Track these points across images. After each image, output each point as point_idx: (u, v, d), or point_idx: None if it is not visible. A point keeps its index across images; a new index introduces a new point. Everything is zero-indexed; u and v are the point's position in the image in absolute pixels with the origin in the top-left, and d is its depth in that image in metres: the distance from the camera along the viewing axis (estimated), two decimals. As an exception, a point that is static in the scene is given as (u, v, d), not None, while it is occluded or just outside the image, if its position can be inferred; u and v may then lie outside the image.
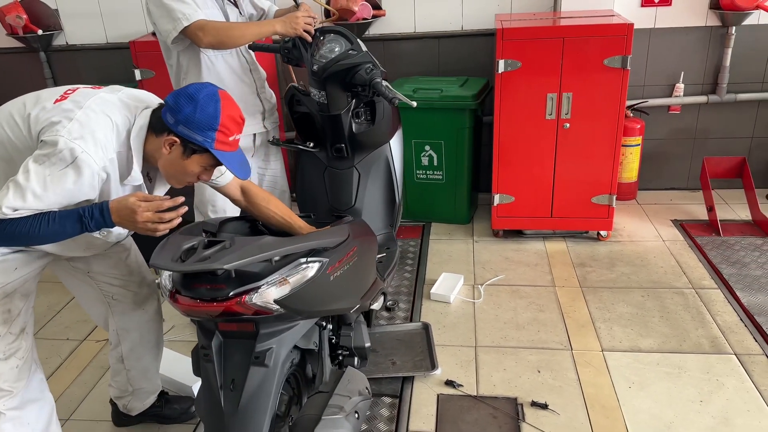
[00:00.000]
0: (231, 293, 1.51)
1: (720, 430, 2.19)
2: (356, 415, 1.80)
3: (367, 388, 1.93)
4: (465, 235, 3.73)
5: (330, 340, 2.07)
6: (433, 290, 3.07)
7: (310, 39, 2.40)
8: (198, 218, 2.68)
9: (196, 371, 1.85)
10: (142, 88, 3.56)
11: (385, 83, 2.30)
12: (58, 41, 4.19)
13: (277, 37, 2.66)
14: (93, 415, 2.44)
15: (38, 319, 3.08)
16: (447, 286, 3.10)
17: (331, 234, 1.81)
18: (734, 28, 3.70)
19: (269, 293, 1.54)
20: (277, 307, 1.56)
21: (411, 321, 2.90)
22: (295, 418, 1.89)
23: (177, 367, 2.56)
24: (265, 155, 2.75)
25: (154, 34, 3.75)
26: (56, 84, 4.28)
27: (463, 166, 3.67)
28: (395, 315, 2.96)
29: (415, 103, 2.35)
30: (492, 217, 3.57)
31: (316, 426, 1.70)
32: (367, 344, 2.11)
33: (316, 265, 1.65)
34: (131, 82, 4.02)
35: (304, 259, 1.64)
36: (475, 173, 3.88)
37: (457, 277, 3.17)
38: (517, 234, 3.64)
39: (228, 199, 2.65)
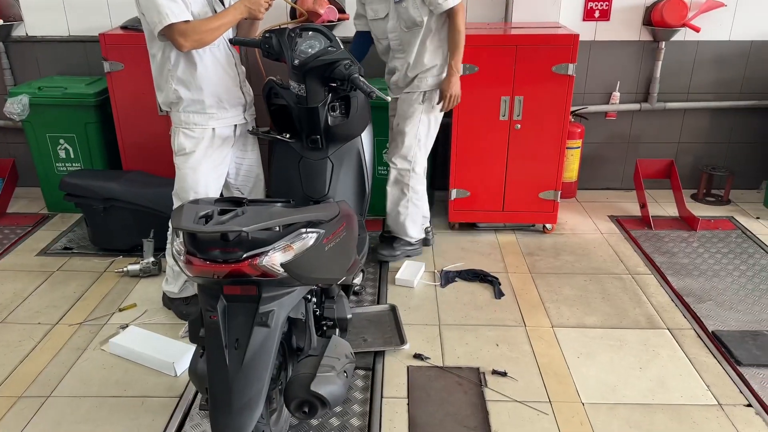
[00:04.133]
0: (244, 255, 1.66)
1: (657, 391, 2.49)
2: (345, 374, 1.97)
3: (351, 352, 2.10)
4: (422, 228, 3.96)
5: (314, 312, 2.24)
6: (397, 276, 3.27)
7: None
8: (177, 205, 2.78)
9: (193, 339, 1.99)
10: (111, 81, 3.65)
11: (362, 79, 2.49)
12: (18, 32, 4.17)
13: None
14: (73, 391, 2.50)
15: (6, 305, 3.10)
16: (410, 272, 3.31)
17: (325, 209, 1.99)
18: (664, 43, 4.11)
19: (276, 257, 1.71)
20: (282, 270, 1.73)
21: (378, 303, 3.09)
22: (285, 382, 2.05)
23: (157, 346, 2.66)
24: (243, 145, 2.87)
25: (123, 27, 3.83)
26: (14, 75, 4.25)
27: (422, 163, 3.88)
28: (363, 299, 3.15)
29: (389, 98, 2.56)
30: (449, 210, 3.82)
31: (312, 382, 1.87)
32: (349, 315, 2.29)
33: (315, 235, 1.83)
34: (95, 75, 4.07)
35: (304, 229, 1.81)
36: (431, 171, 4.10)
37: (419, 265, 3.39)
38: (470, 227, 3.90)
39: (209, 186, 2.77)
